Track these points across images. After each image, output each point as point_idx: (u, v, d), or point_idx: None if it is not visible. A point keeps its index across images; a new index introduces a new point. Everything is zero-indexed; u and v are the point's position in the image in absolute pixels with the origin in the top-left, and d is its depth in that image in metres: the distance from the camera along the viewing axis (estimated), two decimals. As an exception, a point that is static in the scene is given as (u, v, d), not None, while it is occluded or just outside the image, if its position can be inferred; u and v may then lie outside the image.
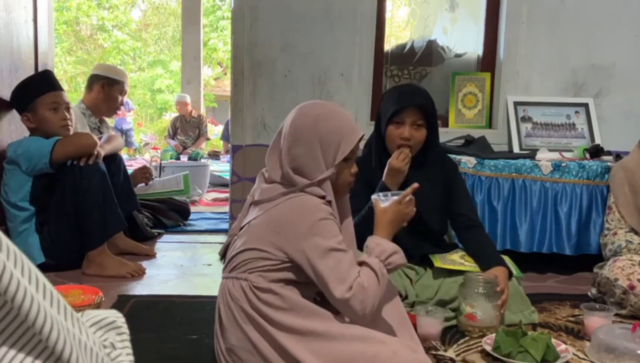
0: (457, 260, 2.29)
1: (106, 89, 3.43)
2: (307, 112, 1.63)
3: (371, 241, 1.63)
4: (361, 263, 1.56)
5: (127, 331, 0.67)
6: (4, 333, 0.47)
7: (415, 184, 1.79)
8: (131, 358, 0.68)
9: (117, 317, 0.67)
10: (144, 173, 3.78)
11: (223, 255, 1.73)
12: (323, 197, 1.58)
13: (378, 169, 2.26)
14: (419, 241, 2.31)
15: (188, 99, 9.09)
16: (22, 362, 0.47)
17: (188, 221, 4.15)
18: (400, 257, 1.62)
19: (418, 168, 2.25)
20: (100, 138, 3.04)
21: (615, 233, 2.62)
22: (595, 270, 2.65)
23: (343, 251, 1.54)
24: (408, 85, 2.62)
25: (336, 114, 1.64)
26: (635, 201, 2.60)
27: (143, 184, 3.80)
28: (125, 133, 9.88)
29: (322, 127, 1.59)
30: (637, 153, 2.67)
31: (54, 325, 0.50)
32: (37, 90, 2.80)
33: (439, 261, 2.25)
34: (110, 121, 4.02)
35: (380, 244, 1.61)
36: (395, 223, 1.70)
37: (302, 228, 1.53)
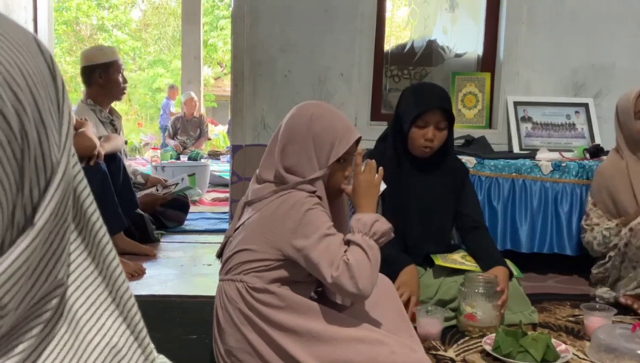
0: (459, 259, 2.29)
1: (104, 77, 3.28)
2: (303, 111, 1.64)
3: (352, 220, 1.60)
4: (347, 243, 1.55)
5: None
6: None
7: (360, 150, 1.71)
8: None
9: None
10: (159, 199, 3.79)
11: (219, 256, 1.74)
12: (313, 192, 1.58)
13: (395, 165, 2.28)
14: (427, 241, 2.32)
15: (195, 96, 9.15)
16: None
17: (188, 220, 4.13)
18: (382, 223, 1.58)
19: (433, 171, 2.28)
20: (101, 137, 3.03)
21: (592, 229, 2.68)
22: (594, 271, 2.65)
23: (332, 235, 1.53)
24: (428, 84, 2.60)
25: (331, 114, 1.64)
26: (616, 205, 2.63)
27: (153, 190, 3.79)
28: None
29: (316, 126, 1.60)
30: (612, 156, 2.70)
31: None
32: None
33: (439, 259, 2.26)
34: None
35: (360, 219, 1.58)
36: (368, 194, 1.64)
37: (292, 223, 1.53)
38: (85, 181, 0.48)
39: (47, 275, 0.43)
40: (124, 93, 3.49)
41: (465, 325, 2.10)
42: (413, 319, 1.98)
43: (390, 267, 2.08)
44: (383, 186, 1.71)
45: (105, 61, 3.31)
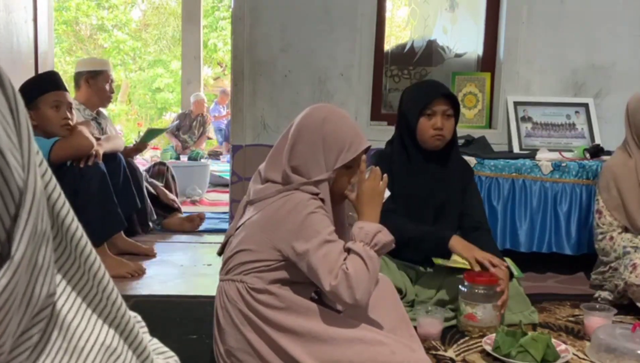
0: (459, 259, 2.29)
1: (91, 82, 3.45)
2: (316, 113, 1.64)
3: (355, 227, 1.57)
4: (347, 251, 1.53)
5: None
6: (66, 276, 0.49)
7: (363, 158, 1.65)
8: None
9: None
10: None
11: (220, 254, 1.74)
12: (316, 194, 1.58)
13: (406, 162, 2.31)
14: None
15: (205, 98, 9.19)
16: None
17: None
18: (385, 235, 1.56)
19: (443, 167, 2.31)
20: (99, 138, 3.04)
21: (611, 237, 2.60)
22: (593, 276, 2.64)
23: (333, 241, 1.52)
24: (428, 79, 2.66)
25: (344, 120, 1.64)
26: (624, 202, 2.60)
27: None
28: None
29: (327, 128, 1.60)
30: (620, 154, 2.68)
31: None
32: (40, 88, 2.82)
33: (439, 259, 2.25)
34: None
35: (363, 227, 1.55)
36: (372, 201, 1.61)
37: (293, 225, 1.53)
38: (57, 187, 0.46)
39: (38, 295, 0.42)
40: (110, 101, 3.67)
41: (465, 325, 2.10)
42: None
43: (431, 243, 2.20)
44: (387, 194, 1.68)
45: (95, 69, 3.50)
